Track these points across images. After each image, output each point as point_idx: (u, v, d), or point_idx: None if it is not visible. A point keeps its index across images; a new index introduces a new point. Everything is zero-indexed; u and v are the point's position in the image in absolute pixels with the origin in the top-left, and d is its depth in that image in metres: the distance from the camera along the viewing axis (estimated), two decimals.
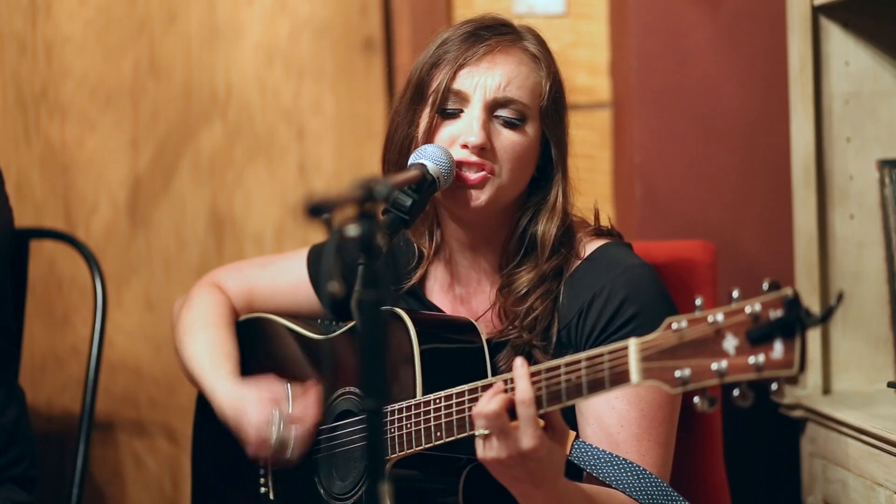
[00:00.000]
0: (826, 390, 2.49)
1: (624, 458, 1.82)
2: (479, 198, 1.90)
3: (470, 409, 1.71)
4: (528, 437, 1.61)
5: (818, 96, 2.47)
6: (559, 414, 1.65)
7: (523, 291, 1.92)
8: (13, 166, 2.89)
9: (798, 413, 2.46)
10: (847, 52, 2.48)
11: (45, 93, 2.94)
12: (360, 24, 2.99)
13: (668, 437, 1.87)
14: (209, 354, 2.10)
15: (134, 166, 2.97)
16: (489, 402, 1.63)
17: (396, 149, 1.97)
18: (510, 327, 1.93)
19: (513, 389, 1.64)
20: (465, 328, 1.92)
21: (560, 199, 1.95)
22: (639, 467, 1.81)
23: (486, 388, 1.70)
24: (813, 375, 2.47)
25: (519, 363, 1.64)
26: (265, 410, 1.95)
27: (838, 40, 2.48)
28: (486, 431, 1.63)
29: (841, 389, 2.49)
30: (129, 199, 2.97)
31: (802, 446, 2.49)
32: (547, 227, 1.94)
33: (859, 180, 2.48)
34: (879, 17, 2.48)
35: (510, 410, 1.64)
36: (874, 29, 2.48)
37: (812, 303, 2.46)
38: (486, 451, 1.64)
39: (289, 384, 2.00)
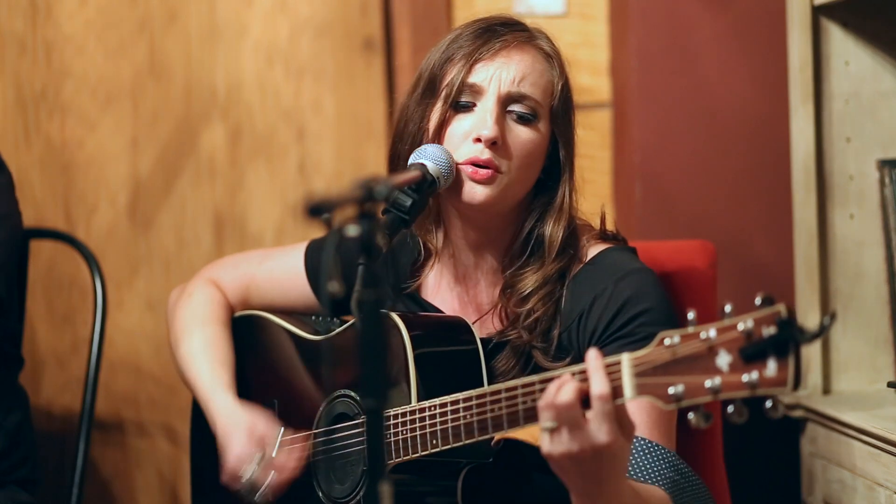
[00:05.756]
0: (826, 390, 2.49)
1: (651, 441, 1.78)
2: (486, 194, 1.88)
3: (465, 417, 1.69)
4: (603, 433, 1.53)
5: (818, 96, 2.47)
6: (626, 408, 1.56)
7: (527, 292, 1.91)
8: (13, 166, 2.86)
9: (798, 413, 2.46)
10: (847, 52, 2.48)
11: (45, 93, 2.93)
12: (360, 24, 2.99)
13: (671, 428, 1.85)
14: (207, 362, 2.10)
15: (134, 166, 2.96)
16: (561, 393, 1.54)
17: (407, 143, 1.95)
18: (510, 328, 1.92)
19: (583, 381, 1.55)
20: (459, 328, 1.91)
21: (567, 200, 1.94)
22: (660, 447, 1.79)
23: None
24: (813, 375, 2.47)
25: (594, 355, 1.55)
26: (249, 446, 1.96)
27: (838, 40, 2.48)
28: (554, 424, 1.54)
29: (841, 389, 2.49)
30: (130, 199, 2.97)
31: (802, 446, 2.49)
32: (554, 229, 1.93)
33: (859, 180, 2.48)
34: (879, 17, 2.48)
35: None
36: (874, 29, 2.48)
37: (812, 302, 2.46)
38: (555, 445, 1.55)
39: (281, 429, 2.00)
